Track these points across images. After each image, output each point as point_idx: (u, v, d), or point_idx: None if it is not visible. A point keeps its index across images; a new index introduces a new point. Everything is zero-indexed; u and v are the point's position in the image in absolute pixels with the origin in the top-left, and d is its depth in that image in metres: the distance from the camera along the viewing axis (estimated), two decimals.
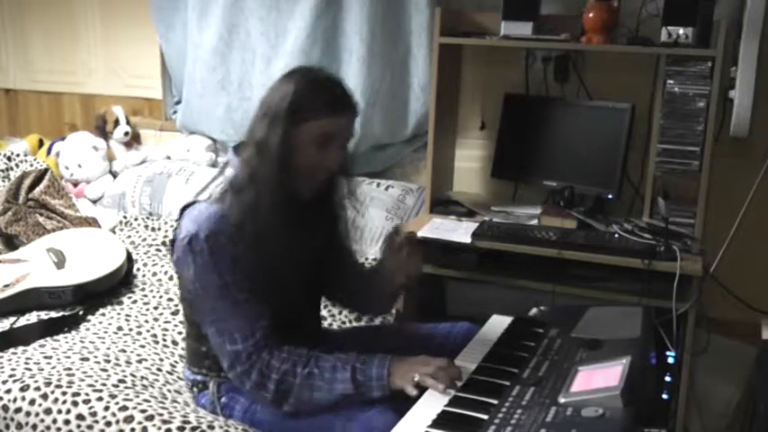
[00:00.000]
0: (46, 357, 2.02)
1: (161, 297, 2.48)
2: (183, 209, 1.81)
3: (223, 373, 1.81)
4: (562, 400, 1.49)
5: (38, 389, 1.86)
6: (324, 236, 1.90)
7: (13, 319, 2.27)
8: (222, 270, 1.71)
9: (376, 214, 2.80)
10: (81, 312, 2.33)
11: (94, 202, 3.34)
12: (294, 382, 1.70)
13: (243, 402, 1.83)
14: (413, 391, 1.64)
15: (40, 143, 3.63)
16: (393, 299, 2.09)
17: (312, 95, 1.72)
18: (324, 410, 1.72)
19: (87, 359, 2.03)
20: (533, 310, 2.11)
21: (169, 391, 1.98)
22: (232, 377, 1.75)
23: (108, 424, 1.76)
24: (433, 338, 1.98)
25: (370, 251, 2.58)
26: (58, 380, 1.89)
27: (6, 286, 2.37)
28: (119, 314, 2.36)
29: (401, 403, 1.62)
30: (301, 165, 1.73)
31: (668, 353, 2.17)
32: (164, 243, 2.96)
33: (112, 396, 1.83)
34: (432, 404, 1.58)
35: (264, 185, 1.70)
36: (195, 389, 1.94)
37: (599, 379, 1.52)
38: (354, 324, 2.43)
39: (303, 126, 1.71)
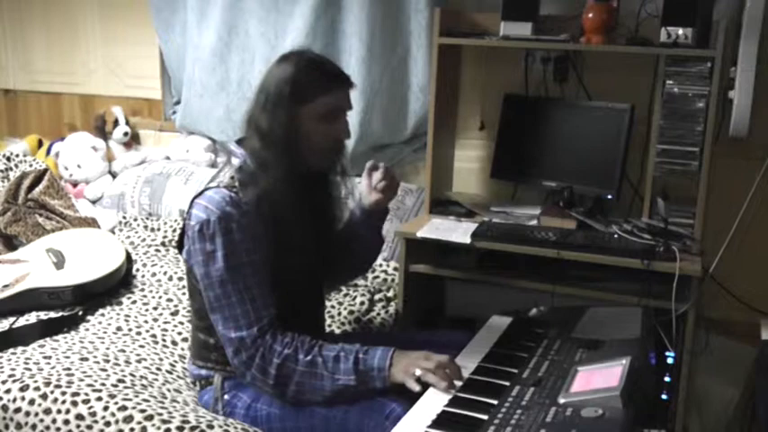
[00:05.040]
0: (45, 357, 2.02)
1: (160, 297, 2.48)
2: (192, 200, 1.82)
3: (229, 367, 1.83)
4: (562, 401, 1.49)
5: (37, 389, 1.86)
6: (325, 215, 1.96)
7: (12, 319, 2.27)
8: (233, 253, 1.73)
9: None
10: (80, 313, 2.33)
11: (94, 202, 3.34)
12: (296, 369, 1.71)
13: (245, 400, 1.84)
14: (415, 387, 1.65)
15: (40, 143, 3.63)
16: (378, 235, 2.15)
17: (310, 76, 1.79)
18: (322, 403, 1.72)
19: (87, 359, 2.03)
20: (533, 311, 2.12)
21: (168, 390, 1.98)
22: (237, 364, 1.76)
23: (107, 424, 1.76)
24: (430, 346, 1.98)
25: None
26: (58, 380, 1.89)
27: (6, 286, 2.37)
28: (118, 314, 2.36)
29: (409, 396, 1.62)
30: (313, 142, 1.80)
31: (668, 353, 2.17)
32: (163, 243, 2.96)
33: (112, 396, 1.83)
34: (432, 404, 1.58)
35: (277, 172, 1.75)
36: (198, 385, 1.95)
37: (599, 379, 1.52)
38: (354, 326, 2.44)
39: (307, 106, 1.78)
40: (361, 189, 2.07)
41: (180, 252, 1.89)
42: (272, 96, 1.78)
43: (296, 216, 1.77)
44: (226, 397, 1.86)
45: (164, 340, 2.27)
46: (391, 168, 2.06)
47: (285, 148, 1.76)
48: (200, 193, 1.80)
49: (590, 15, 2.51)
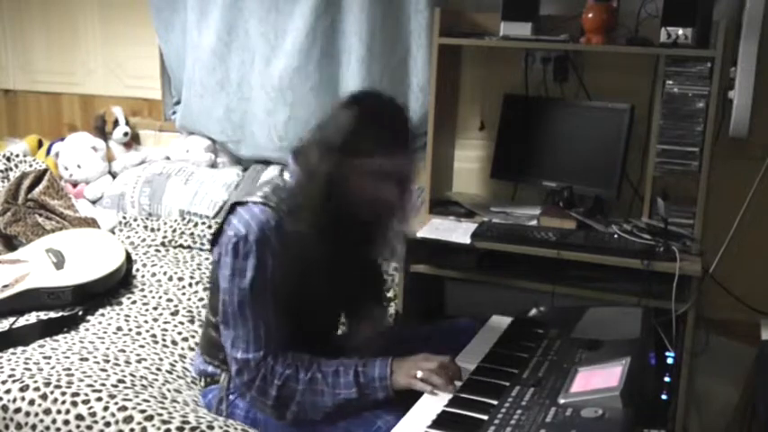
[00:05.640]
0: (45, 358, 2.02)
1: (160, 297, 2.48)
2: (235, 205, 1.78)
3: None
4: (562, 401, 1.49)
5: (37, 389, 1.86)
6: (363, 259, 1.92)
7: (12, 319, 2.27)
8: (261, 278, 1.71)
9: None
10: (80, 313, 2.33)
11: (94, 202, 3.33)
12: (296, 388, 1.70)
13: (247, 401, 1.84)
14: (426, 387, 1.64)
15: (40, 144, 3.62)
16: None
17: (369, 132, 1.69)
18: (325, 418, 1.72)
19: (86, 359, 2.03)
20: (533, 311, 2.12)
21: (168, 390, 1.98)
22: (238, 383, 1.77)
23: (107, 424, 1.76)
24: (434, 337, 1.98)
25: None
26: (58, 380, 1.89)
27: (6, 287, 2.37)
28: (118, 314, 2.36)
29: (405, 404, 1.62)
30: (355, 195, 1.72)
31: (667, 353, 2.16)
32: (163, 243, 2.95)
33: (112, 396, 1.83)
34: (432, 404, 1.58)
35: (313, 212, 1.69)
36: (203, 381, 1.95)
37: (598, 379, 1.52)
38: None
39: (357, 160, 1.69)
40: None
41: (212, 247, 1.87)
42: (326, 139, 1.71)
43: (323, 254, 1.72)
44: (231, 397, 1.86)
45: (164, 340, 2.27)
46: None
47: (326, 193, 1.70)
48: (245, 203, 1.76)
49: (590, 15, 2.51)
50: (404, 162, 1.77)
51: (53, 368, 1.96)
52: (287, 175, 1.81)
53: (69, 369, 1.96)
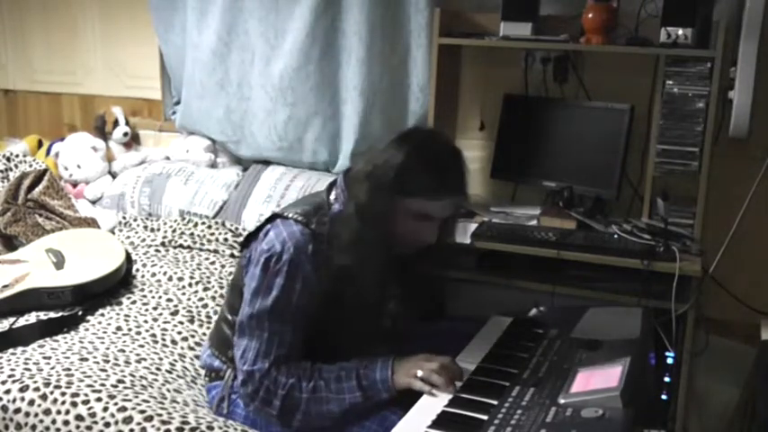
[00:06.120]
0: (45, 358, 2.02)
1: (160, 297, 2.48)
2: (275, 216, 1.78)
3: None
4: (562, 401, 1.49)
5: (37, 389, 1.86)
6: (396, 294, 1.92)
7: (12, 319, 2.27)
8: (286, 299, 1.71)
9: None
10: (80, 313, 2.33)
11: (93, 202, 3.33)
12: (301, 397, 1.70)
13: None
14: (425, 387, 1.64)
15: (40, 144, 3.63)
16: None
17: (419, 174, 1.69)
18: (333, 424, 1.72)
19: (86, 359, 2.03)
20: (533, 311, 2.12)
21: (168, 390, 1.98)
22: (242, 393, 1.77)
23: (107, 425, 1.76)
24: (434, 337, 1.98)
25: None
26: (57, 380, 1.89)
27: (6, 287, 2.37)
28: (118, 314, 2.36)
29: (409, 403, 1.62)
30: (397, 231, 1.73)
31: (667, 353, 2.17)
32: (163, 243, 2.95)
33: (111, 396, 1.83)
34: (432, 404, 1.58)
35: (353, 246, 1.70)
36: (208, 377, 1.96)
37: (598, 379, 1.52)
38: None
39: (404, 200, 1.70)
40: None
41: (242, 249, 1.87)
42: (377, 174, 1.71)
43: (363, 286, 1.73)
44: (232, 396, 1.86)
45: (163, 340, 2.27)
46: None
47: (375, 230, 1.71)
48: (287, 217, 1.75)
49: (590, 15, 2.51)
50: (453, 206, 1.79)
51: (53, 368, 1.96)
52: (333, 196, 1.81)
53: (69, 369, 1.95)
